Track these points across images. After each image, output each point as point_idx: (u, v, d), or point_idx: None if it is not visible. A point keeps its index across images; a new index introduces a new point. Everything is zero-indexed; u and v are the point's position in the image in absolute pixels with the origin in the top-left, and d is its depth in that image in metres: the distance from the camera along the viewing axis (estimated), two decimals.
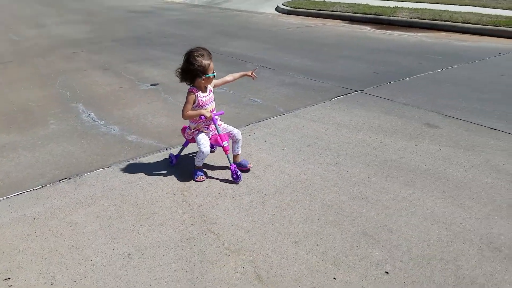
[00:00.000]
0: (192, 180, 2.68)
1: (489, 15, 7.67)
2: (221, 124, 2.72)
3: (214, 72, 2.58)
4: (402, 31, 7.65)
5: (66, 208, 2.42)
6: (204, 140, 2.63)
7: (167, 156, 3.02)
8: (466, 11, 8.29)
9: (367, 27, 8.18)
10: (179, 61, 2.65)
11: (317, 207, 2.36)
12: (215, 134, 2.66)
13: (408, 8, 8.94)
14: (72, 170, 2.89)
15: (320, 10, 9.83)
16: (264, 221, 2.25)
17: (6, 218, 2.34)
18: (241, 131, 3.31)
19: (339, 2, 10.66)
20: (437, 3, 9.71)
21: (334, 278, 1.83)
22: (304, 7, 10.35)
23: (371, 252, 1.98)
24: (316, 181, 2.63)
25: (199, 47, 2.57)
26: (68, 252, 2.05)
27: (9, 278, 1.89)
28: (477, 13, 7.99)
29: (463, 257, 1.93)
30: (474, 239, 2.05)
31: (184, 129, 2.78)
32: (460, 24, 7.36)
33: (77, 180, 2.75)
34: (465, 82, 4.52)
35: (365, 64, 5.40)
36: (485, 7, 8.86)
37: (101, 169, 2.88)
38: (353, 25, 8.51)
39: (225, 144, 2.61)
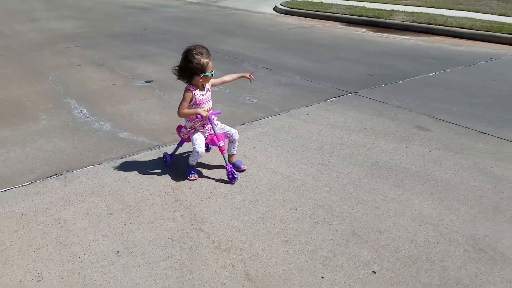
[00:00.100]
0: (184, 179, 2.68)
1: (482, 20, 7.76)
2: (217, 123, 2.71)
3: (212, 71, 2.57)
4: (398, 34, 7.71)
5: (55, 205, 2.41)
6: (199, 140, 2.62)
7: (160, 154, 3.02)
8: (460, 16, 8.37)
9: (363, 30, 8.23)
10: (175, 58, 2.65)
11: (308, 206, 2.37)
12: (211, 134, 2.65)
13: (404, 12, 9.01)
14: (62, 166, 2.87)
15: (318, 11, 9.86)
16: (255, 220, 2.25)
17: None
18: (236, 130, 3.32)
19: (336, 4, 10.70)
20: (433, 7, 9.80)
21: (322, 277, 1.84)
22: (302, 7, 10.37)
23: (359, 252, 2.00)
24: (308, 181, 2.64)
25: (198, 45, 2.54)
26: (56, 248, 2.03)
27: None
28: (471, 18, 8.07)
29: (449, 258, 1.95)
30: (460, 240, 2.07)
31: (179, 128, 2.77)
32: (454, 29, 7.43)
33: (67, 176, 2.73)
34: (457, 86, 4.57)
35: (361, 66, 5.43)
36: (479, 12, 8.94)
37: (92, 166, 2.86)
38: (350, 27, 8.56)
39: (221, 144, 2.60)
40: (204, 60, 2.49)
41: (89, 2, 13.64)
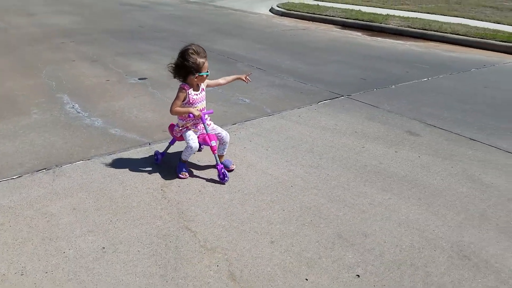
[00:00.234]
0: (173, 177, 2.67)
1: (477, 27, 7.83)
2: (210, 124, 2.71)
3: (208, 71, 2.57)
4: (393, 38, 7.76)
5: (42, 199, 2.39)
6: (192, 136, 2.62)
7: (150, 151, 3.01)
8: (455, 22, 8.43)
9: (358, 33, 8.27)
10: (169, 56, 2.64)
11: (295, 208, 2.38)
12: (203, 133, 2.65)
13: (399, 17, 9.06)
14: (52, 161, 2.85)
15: (314, 13, 9.89)
16: (243, 220, 2.26)
17: None
18: (227, 129, 3.32)
19: (332, 7, 10.74)
20: (428, 13, 9.86)
21: (306, 279, 1.85)
22: (298, 9, 10.39)
23: (344, 255, 2.01)
24: (297, 183, 2.65)
25: (196, 45, 2.54)
26: (41, 243, 2.02)
27: None
28: (466, 24, 8.14)
29: (433, 263, 1.97)
30: (445, 246, 2.10)
31: (171, 127, 2.76)
32: (449, 35, 7.49)
33: (56, 171, 2.72)
34: (450, 92, 4.61)
35: (354, 70, 5.46)
36: (474, 19, 9.02)
37: (81, 161, 2.85)
38: (345, 30, 8.60)
39: (213, 143, 2.60)
40: (200, 60, 2.49)
41: None
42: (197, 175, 2.72)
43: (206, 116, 2.67)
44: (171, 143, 2.85)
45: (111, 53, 6.10)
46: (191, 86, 2.59)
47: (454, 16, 9.38)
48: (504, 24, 8.43)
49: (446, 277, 1.89)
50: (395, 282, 1.85)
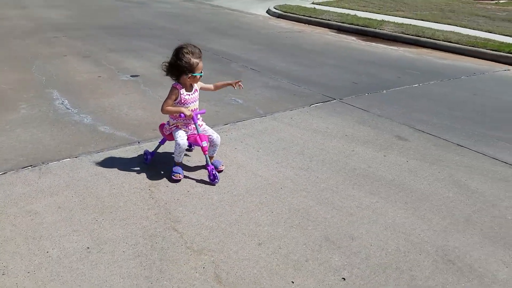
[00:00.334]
0: (161, 176, 2.65)
1: (468, 36, 7.93)
2: (202, 124, 2.69)
3: (201, 72, 2.55)
4: (386, 44, 7.82)
5: (27, 197, 2.36)
6: (181, 133, 2.59)
7: (139, 150, 2.99)
8: (448, 30, 8.53)
9: (353, 38, 8.32)
10: (163, 54, 2.63)
11: (284, 210, 2.38)
12: (194, 134, 2.62)
13: (394, 23, 9.14)
14: (38, 157, 2.81)
15: (310, 17, 9.92)
16: (230, 221, 2.25)
17: None
18: (219, 129, 3.31)
19: (328, 11, 10.79)
20: (422, 20, 9.96)
21: (293, 282, 1.85)
22: (294, 12, 10.42)
23: (330, 258, 2.01)
24: (286, 185, 2.65)
25: (191, 44, 2.52)
26: (24, 242, 1.99)
27: None
28: (458, 32, 8.24)
29: (418, 267, 1.99)
30: (430, 250, 2.11)
31: (162, 126, 2.74)
32: (441, 42, 7.58)
33: (42, 168, 2.68)
34: (440, 98, 4.66)
35: (347, 74, 5.49)
36: (466, 27, 9.14)
37: (68, 159, 2.81)
38: (340, 34, 8.64)
39: (204, 144, 2.58)
40: (194, 60, 2.47)
41: None
42: (186, 175, 2.70)
43: (198, 116, 2.66)
44: (161, 142, 2.82)
45: (104, 49, 6.04)
46: (183, 86, 2.57)
47: (447, 24, 9.49)
48: (495, 33, 8.55)
49: (431, 281, 1.90)
50: (380, 285, 1.86)
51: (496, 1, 16.21)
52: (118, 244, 2.01)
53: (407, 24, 9.10)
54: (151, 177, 2.65)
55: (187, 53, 2.46)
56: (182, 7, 11.47)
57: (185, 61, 2.45)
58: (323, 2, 12.62)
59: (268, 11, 11.20)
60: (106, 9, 10.21)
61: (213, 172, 2.58)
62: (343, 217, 2.35)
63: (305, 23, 9.79)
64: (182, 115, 2.53)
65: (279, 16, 10.55)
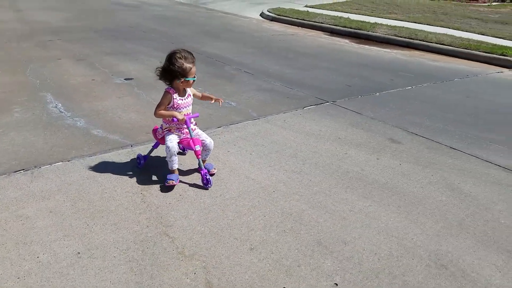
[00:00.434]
0: (153, 181, 2.64)
1: (461, 38, 7.99)
2: (195, 129, 2.69)
3: (195, 77, 2.55)
4: (379, 46, 7.86)
5: (18, 201, 2.34)
6: (172, 137, 2.59)
7: (132, 154, 2.97)
8: (441, 32, 8.60)
9: (346, 40, 8.36)
10: (157, 58, 2.63)
11: (277, 214, 2.38)
12: (187, 138, 2.62)
13: (386, 25, 9.19)
14: (30, 161, 2.79)
15: (303, 19, 9.96)
16: (222, 226, 2.24)
17: None
18: (212, 132, 3.31)
19: (321, 14, 10.84)
20: (415, 22, 10.03)
21: (284, 287, 1.84)
22: (288, 15, 10.45)
23: (323, 263, 2.01)
24: (279, 188, 2.65)
25: (184, 49, 2.53)
26: (15, 247, 1.97)
27: None
28: (451, 35, 8.30)
29: (411, 272, 1.99)
30: (423, 255, 2.12)
31: (155, 130, 2.73)
32: (434, 45, 7.63)
33: (34, 172, 2.66)
34: (432, 101, 4.69)
35: (340, 77, 5.51)
36: (459, 30, 9.21)
37: (61, 163, 2.79)
38: (333, 37, 8.68)
39: (197, 148, 2.57)
40: (187, 65, 2.47)
41: None
42: (181, 180, 2.68)
43: (192, 120, 2.65)
44: (154, 146, 2.81)
45: (98, 52, 6.02)
46: (176, 90, 2.57)
47: (440, 26, 9.57)
48: (488, 36, 8.63)
49: (424, 287, 1.90)
50: None
51: (489, 4, 16.39)
52: (109, 249, 1.99)
53: (400, 26, 9.16)
54: (144, 181, 2.63)
55: (180, 58, 2.47)
56: (177, 11, 11.47)
57: (178, 66, 2.46)
58: (316, 5, 12.67)
59: (262, 14, 11.23)
60: (99, 13, 10.18)
61: (207, 177, 2.58)
62: (336, 221, 2.35)
63: (298, 26, 9.82)
64: (175, 119, 2.53)
65: (272, 19, 10.57)
